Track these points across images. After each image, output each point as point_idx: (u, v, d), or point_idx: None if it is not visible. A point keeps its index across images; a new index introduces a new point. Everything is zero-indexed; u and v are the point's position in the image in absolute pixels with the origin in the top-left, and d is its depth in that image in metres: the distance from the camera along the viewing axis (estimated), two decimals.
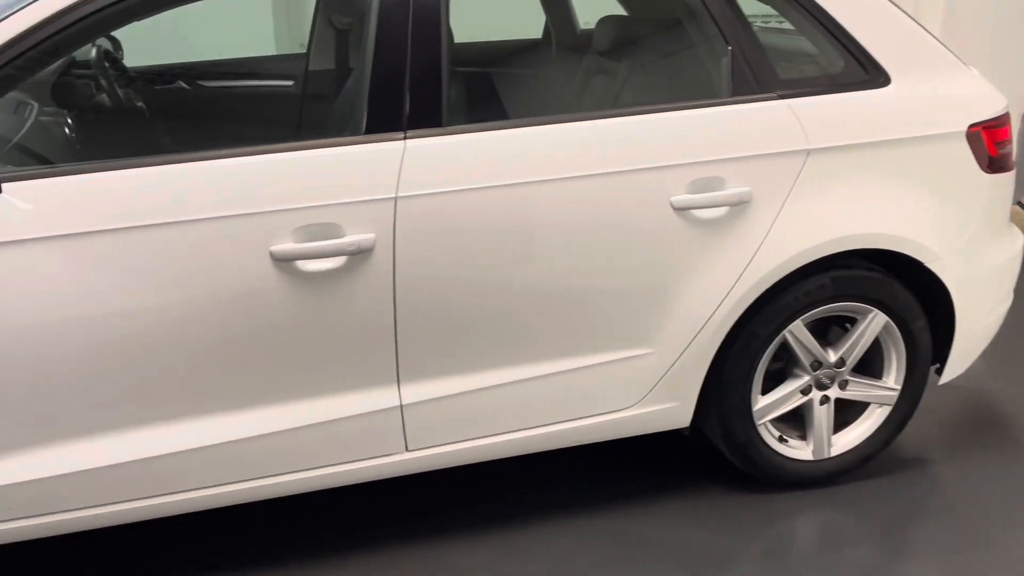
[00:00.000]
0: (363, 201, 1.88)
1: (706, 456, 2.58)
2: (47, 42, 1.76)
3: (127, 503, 1.93)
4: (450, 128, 1.97)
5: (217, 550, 2.24)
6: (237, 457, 1.98)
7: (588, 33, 2.97)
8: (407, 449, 2.11)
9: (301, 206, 1.85)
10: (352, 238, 1.87)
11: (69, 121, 2.43)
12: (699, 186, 2.08)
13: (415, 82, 1.94)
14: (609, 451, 2.49)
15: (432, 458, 2.14)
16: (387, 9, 1.94)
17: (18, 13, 1.76)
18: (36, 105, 2.30)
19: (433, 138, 1.94)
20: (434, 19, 1.95)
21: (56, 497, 1.88)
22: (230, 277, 1.84)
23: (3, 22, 1.76)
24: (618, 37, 2.71)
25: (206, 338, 1.86)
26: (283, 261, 1.85)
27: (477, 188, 1.94)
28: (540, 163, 1.99)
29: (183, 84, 3.24)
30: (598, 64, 2.78)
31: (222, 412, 1.93)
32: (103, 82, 2.69)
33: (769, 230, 2.15)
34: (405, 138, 1.93)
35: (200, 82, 3.27)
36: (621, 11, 2.95)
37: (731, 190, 2.11)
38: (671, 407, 2.27)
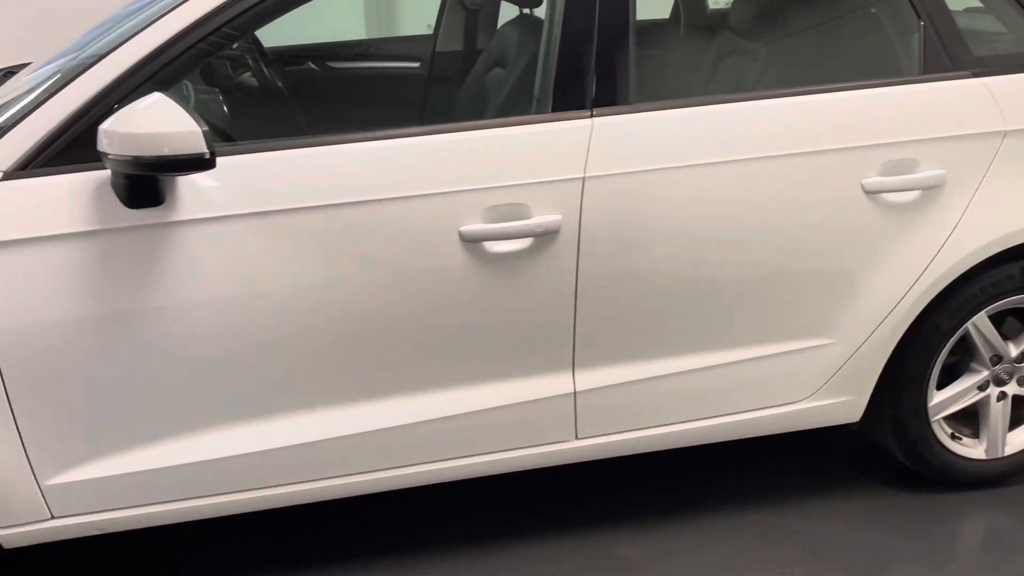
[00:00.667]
0: (552, 181, 1.82)
1: (863, 453, 2.47)
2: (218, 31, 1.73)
3: (307, 484, 1.91)
4: (636, 106, 1.89)
5: (378, 532, 2.21)
6: (409, 441, 1.94)
7: (720, 12, 2.87)
8: (576, 437, 2.05)
9: (491, 186, 1.79)
10: (540, 219, 1.81)
11: (222, 100, 2.42)
12: (892, 168, 1.98)
13: (601, 60, 1.87)
14: (774, 446, 2.40)
15: (601, 447, 2.08)
16: None
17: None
18: (190, 84, 2.29)
19: (620, 116, 1.87)
20: None
21: (235, 477, 1.86)
22: (419, 256, 1.79)
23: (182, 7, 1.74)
24: (762, 14, 2.59)
25: (392, 318, 1.82)
26: (471, 242, 1.80)
27: (665, 168, 1.87)
28: (729, 143, 1.91)
29: (312, 65, 3.23)
30: (733, 44, 2.67)
31: (401, 394, 1.90)
32: (250, 62, 2.68)
33: (961, 216, 2.04)
34: (592, 116, 1.86)
35: (329, 63, 3.26)
36: None
37: (925, 173, 1.99)
38: (844, 401, 2.17)
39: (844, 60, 2.39)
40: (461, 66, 3.21)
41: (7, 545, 1.83)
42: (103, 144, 1.56)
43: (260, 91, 2.79)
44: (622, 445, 2.09)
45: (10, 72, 2.52)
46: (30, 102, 1.73)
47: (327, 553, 2.16)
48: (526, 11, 2.93)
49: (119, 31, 2.18)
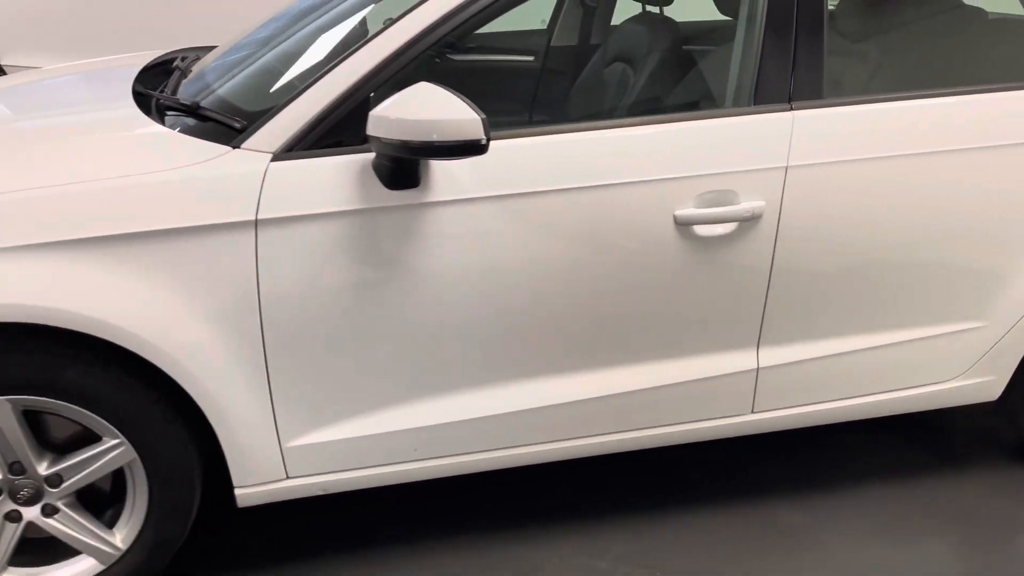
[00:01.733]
0: (758, 169, 1.96)
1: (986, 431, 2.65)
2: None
3: (523, 448, 2.05)
4: (830, 100, 2.04)
5: (540, 497, 2.36)
6: (607, 411, 2.08)
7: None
8: (752, 411, 2.20)
9: (703, 173, 1.93)
10: (747, 205, 1.95)
11: None
12: None
13: (799, 55, 2.01)
14: (899, 424, 2.56)
15: (773, 420, 2.23)
16: None
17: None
18: None
19: (818, 109, 2.01)
20: None
21: (459, 439, 2.00)
22: (637, 238, 1.93)
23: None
24: (874, 16, 2.71)
25: (608, 295, 1.96)
26: (683, 225, 1.94)
27: (859, 159, 2.01)
28: (916, 136, 2.05)
29: (435, 58, 3.35)
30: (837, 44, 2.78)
31: (606, 367, 2.04)
32: None
33: None
34: (791, 109, 2.00)
35: (451, 56, 3.37)
36: None
37: None
38: (988, 380, 2.33)
39: (974, 62, 2.54)
40: (575, 60, 3.34)
41: (242, 504, 1.95)
42: (378, 129, 1.68)
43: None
44: (791, 419, 2.24)
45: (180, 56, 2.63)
46: (290, 88, 1.85)
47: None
48: (651, 9, 3.08)
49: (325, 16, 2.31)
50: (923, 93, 2.12)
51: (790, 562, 2.18)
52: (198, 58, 2.53)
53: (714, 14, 3.07)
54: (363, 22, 2.29)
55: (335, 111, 1.78)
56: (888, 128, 2.05)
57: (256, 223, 1.73)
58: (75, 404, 1.75)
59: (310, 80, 1.82)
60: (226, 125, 1.85)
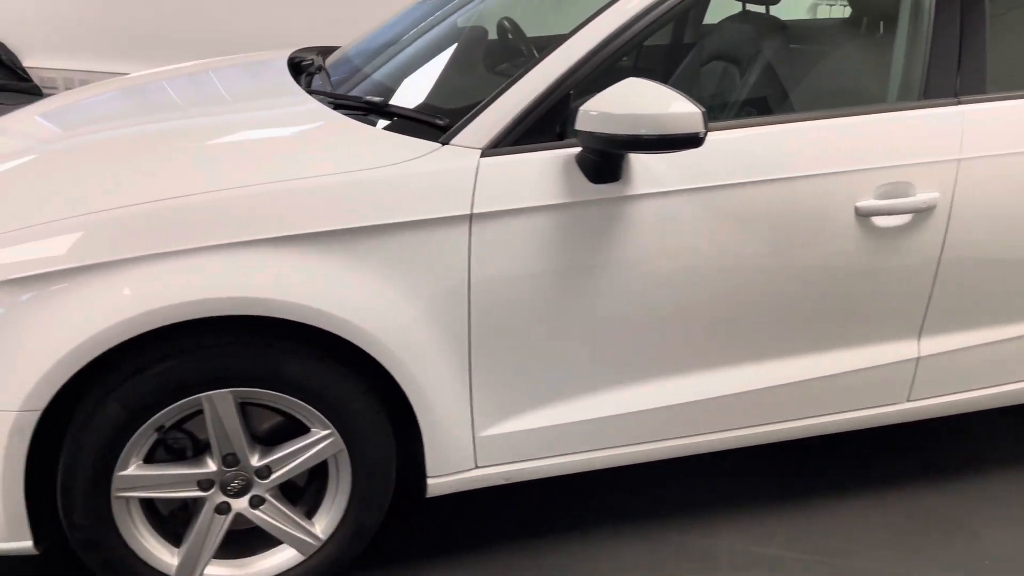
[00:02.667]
0: (933, 162, 2.01)
1: None
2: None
3: (699, 436, 2.10)
4: (993, 95, 2.09)
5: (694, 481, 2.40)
6: (775, 401, 2.13)
7: None
8: (908, 399, 2.25)
9: (882, 165, 1.98)
10: (922, 196, 2.01)
11: None
12: None
13: (964, 50, 2.07)
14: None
15: (927, 408, 2.28)
16: None
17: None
18: None
19: (985, 103, 2.07)
20: None
21: (639, 429, 2.04)
22: (819, 229, 1.98)
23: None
24: None
25: (787, 286, 2.01)
26: (864, 217, 1.99)
27: None
28: None
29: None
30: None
31: (778, 358, 2.08)
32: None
33: None
34: (959, 103, 2.06)
35: None
36: None
37: None
38: None
39: None
40: (667, 59, 3.38)
41: (431, 494, 1.98)
42: (589, 123, 1.72)
43: None
44: (944, 407, 2.29)
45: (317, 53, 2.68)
46: (493, 86, 1.89)
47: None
48: (753, 8, 3.13)
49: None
50: None
51: (945, 547, 2.23)
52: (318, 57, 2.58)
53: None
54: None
55: (537, 108, 1.82)
56: None
57: (471, 217, 1.77)
58: (293, 396, 1.78)
59: (512, 78, 1.87)
60: (426, 122, 1.89)
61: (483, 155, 1.80)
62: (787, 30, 2.78)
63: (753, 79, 2.56)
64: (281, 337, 1.75)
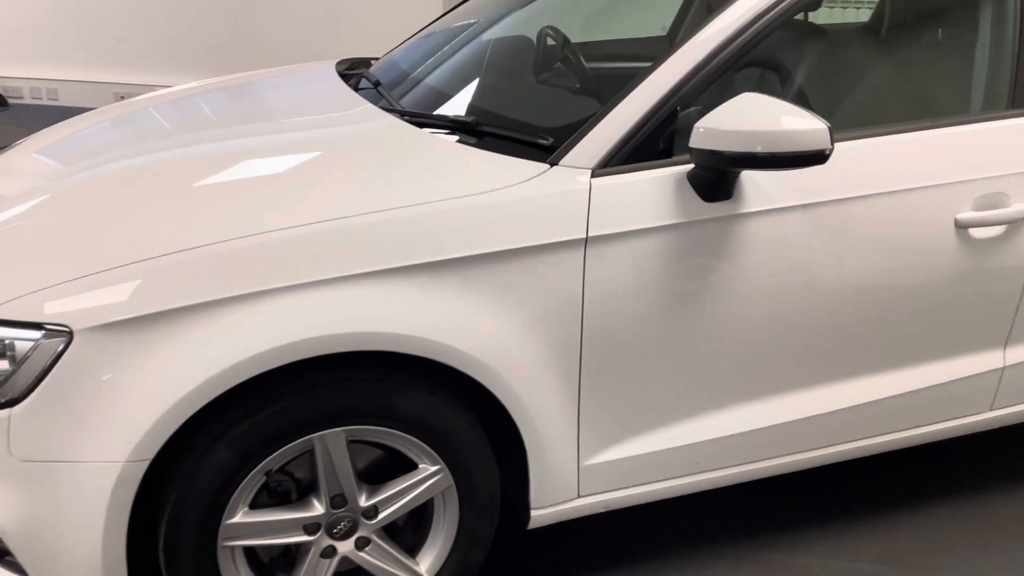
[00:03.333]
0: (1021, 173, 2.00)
1: None
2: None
3: (795, 455, 2.06)
4: None
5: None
6: (866, 417, 2.10)
7: None
8: (991, 407, 2.24)
9: (980, 177, 1.97)
10: (1018, 207, 2.00)
11: None
12: None
13: None
14: None
15: (1008, 416, 2.27)
16: None
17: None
18: None
19: None
20: None
21: (739, 450, 2.00)
22: (919, 241, 1.96)
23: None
24: None
25: (890, 300, 1.98)
26: (962, 228, 1.97)
27: None
28: None
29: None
30: None
31: (879, 372, 2.06)
32: None
33: None
34: None
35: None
36: None
37: None
38: None
39: None
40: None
41: (533, 525, 1.91)
42: (713, 142, 1.67)
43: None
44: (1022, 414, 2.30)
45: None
46: (590, 107, 1.83)
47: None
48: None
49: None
50: None
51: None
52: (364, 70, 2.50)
53: None
54: None
55: (646, 124, 1.77)
56: None
57: (586, 241, 1.70)
58: (405, 431, 1.70)
59: (619, 93, 1.80)
60: (527, 143, 1.82)
61: (593, 175, 1.74)
62: (828, 35, 2.76)
63: (796, 87, 2.54)
64: (393, 370, 1.67)
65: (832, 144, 1.67)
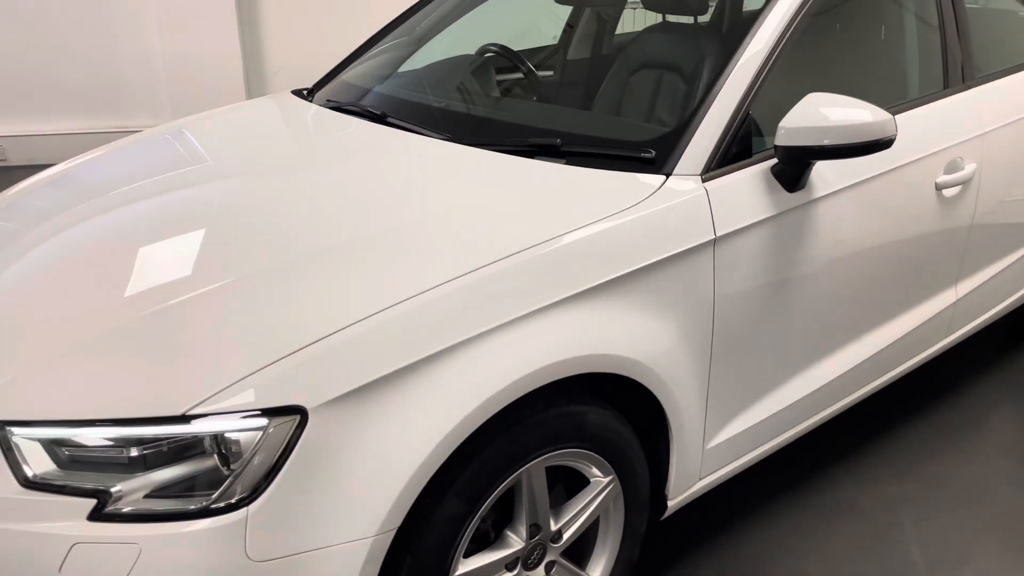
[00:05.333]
0: (971, 139, 2.44)
1: None
2: None
3: (849, 396, 2.39)
4: (986, 74, 2.58)
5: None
6: (889, 354, 2.46)
7: None
8: (947, 335, 2.70)
9: (947, 146, 2.37)
10: (971, 167, 2.44)
11: None
12: None
13: (963, 41, 2.53)
14: None
15: (957, 338, 2.75)
16: None
17: None
18: None
19: (984, 84, 2.56)
20: None
21: (814, 403, 2.27)
22: (912, 203, 2.33)
23: None
24: None
25: (893, 257, 2.33)
26: (939, 190, 2.37)
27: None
28: None
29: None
30: None
31: (899, 315, 2.44)
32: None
33: None
34: (968, 88, 2.52)
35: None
36: None
37: None
38: None
39: None
40: (590, 71, 3.60)
41: (668, 514, 2.03)
42: (799, 138, 1.88)
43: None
44: (971, 330, 2.79)
45: None
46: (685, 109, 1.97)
47: None
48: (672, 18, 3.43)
49: None
50: None
51: None
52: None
53: None
54: None
55: (731, 128, 1.94)
56: None
57: (715, 241, 1.85)
58: (590, 449, 1.74)
59: (700, 102, 1.96)
60: (628, 158, 1.92)
61: (703, 180, 1.89)
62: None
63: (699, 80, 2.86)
64: (577, 393, 1.71)
65: (896, 131, 1.95)
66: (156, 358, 1.47)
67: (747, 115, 1.97)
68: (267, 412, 1.38)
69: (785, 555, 2.28)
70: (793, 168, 1.97)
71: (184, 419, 1.37)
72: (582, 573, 1.87)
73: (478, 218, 1.79)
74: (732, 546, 2.31)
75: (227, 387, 1.38)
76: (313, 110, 2.51)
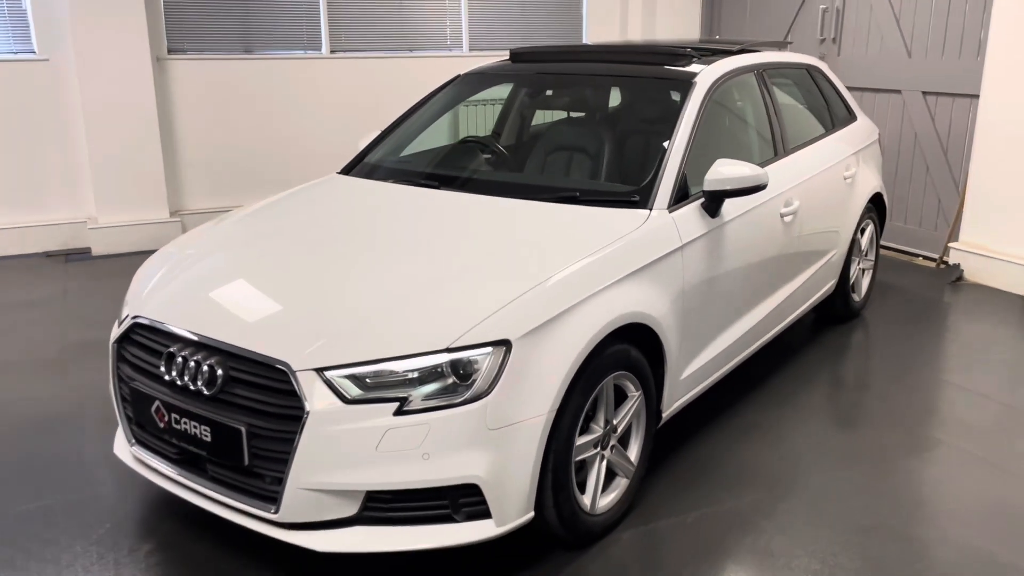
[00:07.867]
0: (799, 183, 3.93)
1: None
2: None
3: (752, 347, 3.72)
4: (794, 146, 4.10)
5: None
6: (763, 323, 3.83)
7: None
8: (793, 312, 4.14)
9: (783, 190, 3.83)
10: (796, 204, 3.91)
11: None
12: None
13: (779, 121, 4.03)
14: None
15: (801, 313, 4.20)
16: None
17: None
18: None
19: (796, 152, 4.06)
20: None
21: (730, 353, 3.57)
22: (769, 225, 3.74)
23: None
24: None
25: (762, 257, 3.72)
26: (781, 217, 3.81)
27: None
28: None
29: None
30: None
31: (762, 299, 3.80)
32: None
33: None
34: (788, 154, 4.01)
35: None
36: None
37: None
38: None
39: None
40: (517, 154, 4.87)
41: (662, 421, 3.22)
42: (720, 184, 3.21)
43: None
44: (803, 310, 4.26)
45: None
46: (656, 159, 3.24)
47: None
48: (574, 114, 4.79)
49: None
50: None
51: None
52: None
53: None
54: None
55: (679, 181, 3.25)
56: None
57: (682, 248, 3.12)
58: (632, 372, 2.91)
59: (660, 165, 3.25)
60: (619, 202, 3.16)
61: (670, 211, 3.16)
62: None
63: (603, 158, 4.24)
64: (622, 336, 2.89)
65: (767, 181, 3.33)
66: (420, 319, 2.51)
67: (684, 172, 3.29)
68: (491, 344, 2.45)
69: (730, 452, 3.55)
70: (713, 204, 3.31)
71: (448, 351, 2.41)
72: (625, 452, 3.01)
73: (553, 236, 2.95)
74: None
75: (467, 331, 2.45)
76: (382, 185, 3.55)
